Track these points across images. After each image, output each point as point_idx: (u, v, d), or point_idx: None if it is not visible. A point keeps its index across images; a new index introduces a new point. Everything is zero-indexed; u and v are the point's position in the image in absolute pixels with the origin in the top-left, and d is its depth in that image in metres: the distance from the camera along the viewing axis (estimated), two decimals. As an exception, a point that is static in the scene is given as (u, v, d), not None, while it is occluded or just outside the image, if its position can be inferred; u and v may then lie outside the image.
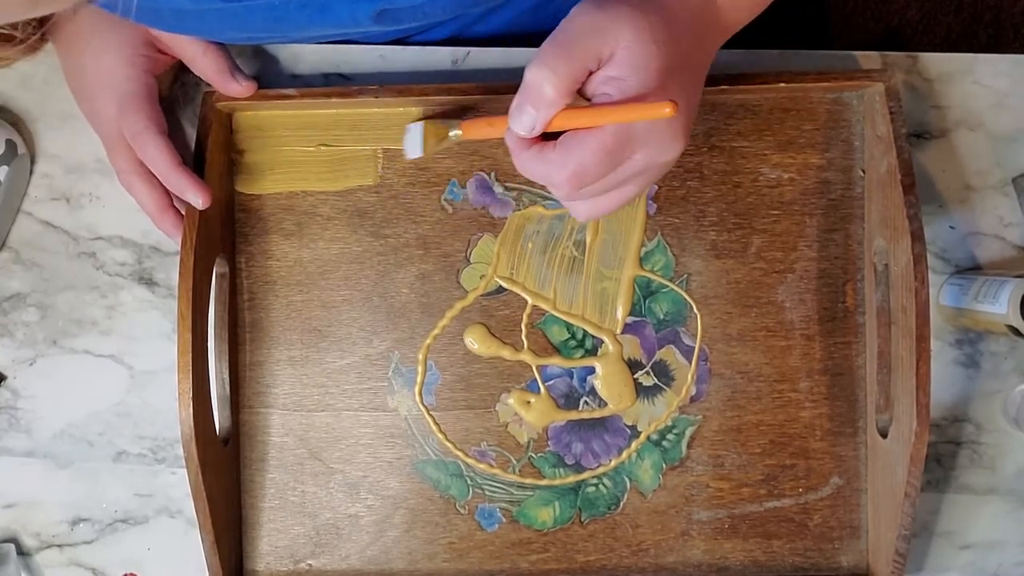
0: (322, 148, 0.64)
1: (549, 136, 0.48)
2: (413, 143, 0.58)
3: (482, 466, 0.64)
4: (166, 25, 0.57)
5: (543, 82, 0.46)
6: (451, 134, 0.57)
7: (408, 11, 0.57)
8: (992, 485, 0.65)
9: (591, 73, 0.47)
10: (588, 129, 0.46)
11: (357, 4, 0.54)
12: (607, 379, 0.64)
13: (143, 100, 0.58)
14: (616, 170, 0.47)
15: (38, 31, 0.56)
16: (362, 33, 0.64)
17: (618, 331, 0.64)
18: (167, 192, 0.60)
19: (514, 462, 0.64)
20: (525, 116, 0.47)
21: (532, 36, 0.69)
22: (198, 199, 0.57)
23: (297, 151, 0.64)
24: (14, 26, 0.51)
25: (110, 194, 0.66)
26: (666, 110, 0.43)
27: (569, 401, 0.64)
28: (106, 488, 0.67)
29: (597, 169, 0.46)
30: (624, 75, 0.46)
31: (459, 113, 0.62)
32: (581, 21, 0.46)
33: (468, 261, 0.64)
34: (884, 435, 0.60)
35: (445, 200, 0.64)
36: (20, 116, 0.66)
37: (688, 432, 0.64)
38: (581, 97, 0.48)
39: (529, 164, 0.48)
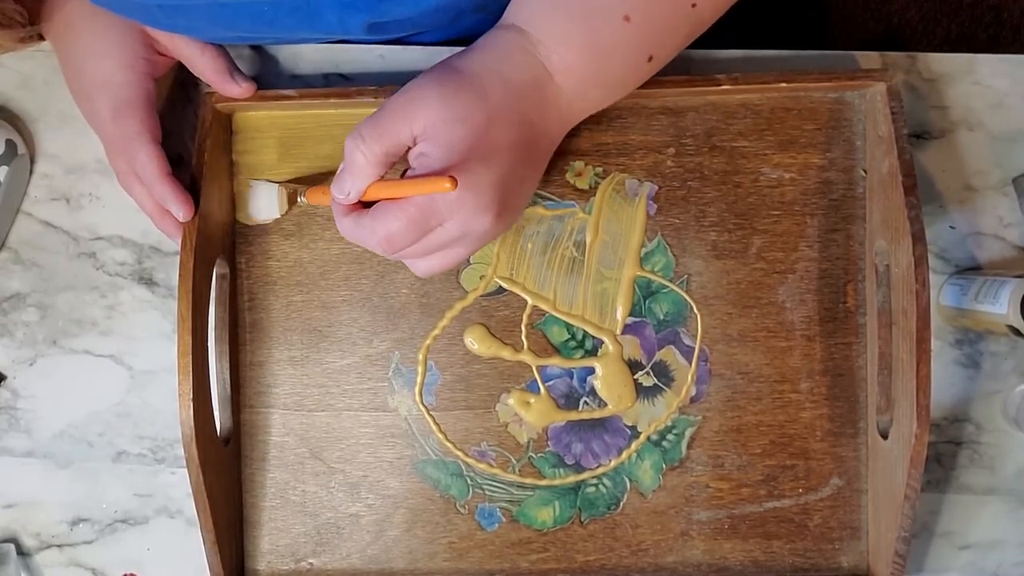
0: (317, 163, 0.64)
1: (369, 204, 0.52)
2: (270, 205, 0.62)
3: (482, 466, 0.64)
4: (154, 21, 0.57)
5: (355, 152, 0.50)
6: (300, 200, 0.62)
7: (397, 24, 0.58)
8: (992, 485, 0.65)
9: (410, 148, 0.51)
10: (397, 200, 0.49)
11: (347, 13, 0.55)
12: (607, 379, 0.64)
13: (138, 107, 0.58)
14: (428, 236, 0.51)
15: (23, 14, 0.56)
16: (355, 38, 0.64)
17: (618, 331, 0.64)
18: None
19: (514, 462, 0.64)
20: (343, 183, 0.51)
21: None
22: (179, 212, 0.57)
23: (294, 167, 0.64)
24: None
25: (110, 194, 0.66)
26: (446, 185, 0.47)
27: (569, 401, 0.64)
28: (106, 488, 0.67)
29: (405, 236, 0.50)
30: (428, 152, 0.49)
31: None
32: (397, 98, 0.50)
33: (468, 261, 0.64)
34: (884, 436, 0.60)
35: (445, 200, 0.64)
36: (20, 116, 0.66)
37: (688, 432, 0.64)
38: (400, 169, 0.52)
39: (347, 229, 0.52)
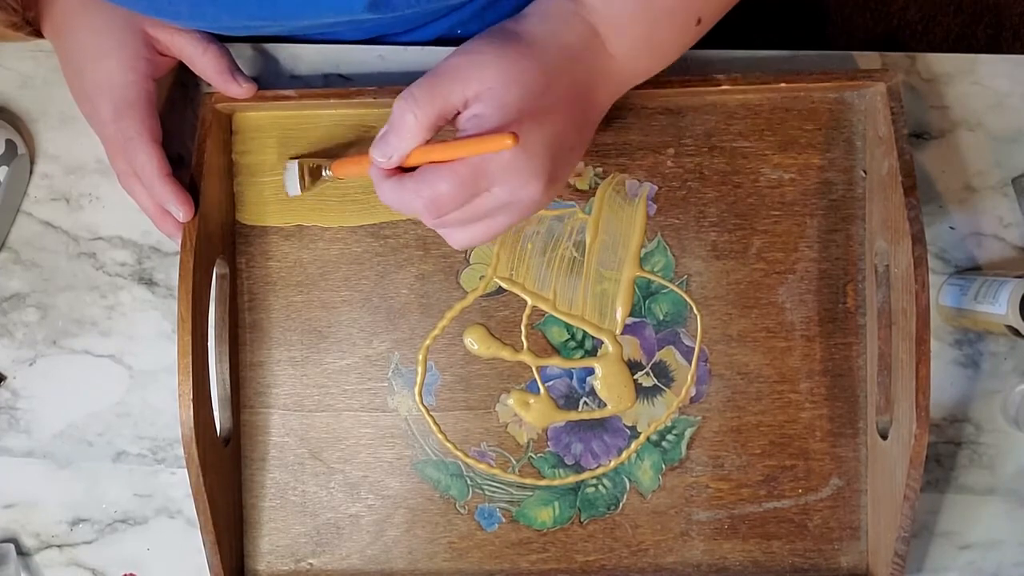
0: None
1: (408, 171, 0.50)
2: (292, 182, 0.61)
3: (482, 466, 0.64)
4: (156, 10, 0.56)
5: (406, 113, 0.48)
6: (324, 174, 0.61)
7: None
8: (992, 485, 0.65)
9: (459, 113, 0.49)
10: (446, 161, 0.48)
11: None
12: (607, 380, 0.64)
13: (138, 107, 0.58)
14: (474, 201, 0.49)
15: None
16: (355, 23, 0.64)
17: (618, 332, 0.64)
18: None
19: (514, 462, 0.64)
20: (387, 145, 0.50)
21: None
22: (179, 212, 0.57)
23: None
24: None
25: (110, 194, 0.66)
26: (507, 141, 0.45)
27: (569, 402, 0.64)
28: (106, 488, 0.67)
29: (452, 199, 0.48)
30: (482, 112, 0.48)
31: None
32: (452, 61, 0.50)
33: (467, 262, 0.64)
34: (884, 436, 0.60)
35: (445, 201, 0.64)
36: (20, 116, 0.66)
37: (688, 433, 0.64)
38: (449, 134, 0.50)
39: (389, 193, 0.50)
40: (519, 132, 0.47)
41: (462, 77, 0.49)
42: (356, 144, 0.64)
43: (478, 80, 0.48)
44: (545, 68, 0.49)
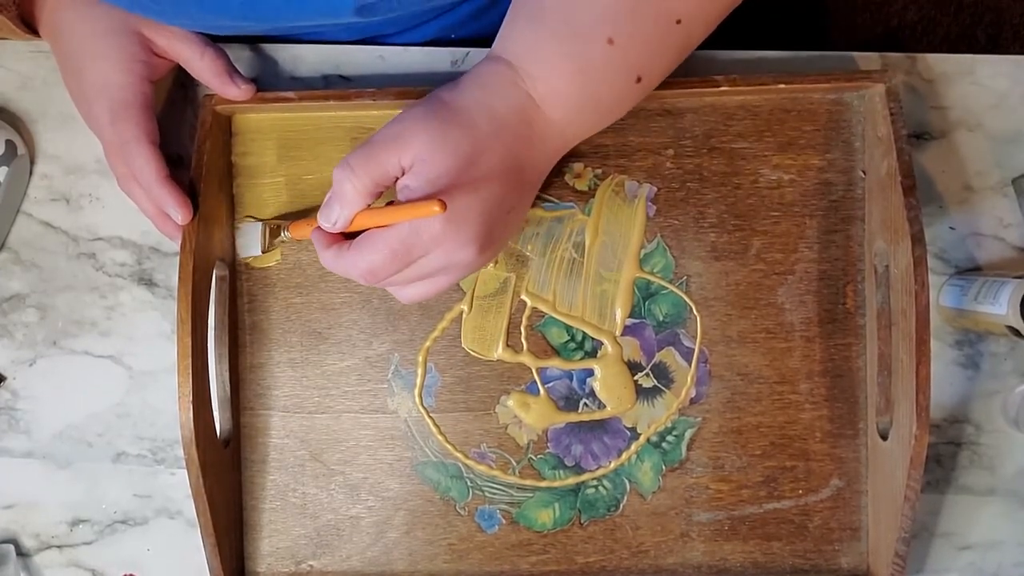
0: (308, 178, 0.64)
1: (352, 236, 0.53)
2: (252, 243, 0.63)
3: (482, 468, 0.64)
4: (143, 8, 0.56)
5: (344, 181, 0.51)
6: (283, 235, 0.62)
7: (385, 3, 0.57)
8: (992, 486, 0.65)
9: (397, 179, 0.51)
10: (379, 231, 0.50)
11: None
12: (607, 381, 0.64)
13: (135, 109, 0.58)
14: (411, 266, 0.51)
15: None
16: (343, 26, 0.64)
17: (618, 333, 0.64)
18: None
19: (514, 464, 0.64)
20: (331, 211, 0.52)
21: None
22: (178, 215, 0.57)
23: (294, 168, 0.64)
24: None
25: (110, 195, 0.66)
26: (435, 208, 0.47)
27: (569, 403, 0.64)
28: (106, 489, 0.67)
29: (387, 268, 0.51)
30: (413, 185, 0.50)
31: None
32: (388, 129, 0.51)
33: (468, 263, 0.64)
34: (884, 437, 0.60)
35: (445, 202, 0.64)
36: (20, 117, 0.66)
37: (688, 434, 0.64)
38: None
39: (330, 261, 0.53)
40: (448, 200, 0.49)
41: (395, 146, 0.50)
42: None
43: (410, 149, 0.50)
44: (475, 138, 0.51)
